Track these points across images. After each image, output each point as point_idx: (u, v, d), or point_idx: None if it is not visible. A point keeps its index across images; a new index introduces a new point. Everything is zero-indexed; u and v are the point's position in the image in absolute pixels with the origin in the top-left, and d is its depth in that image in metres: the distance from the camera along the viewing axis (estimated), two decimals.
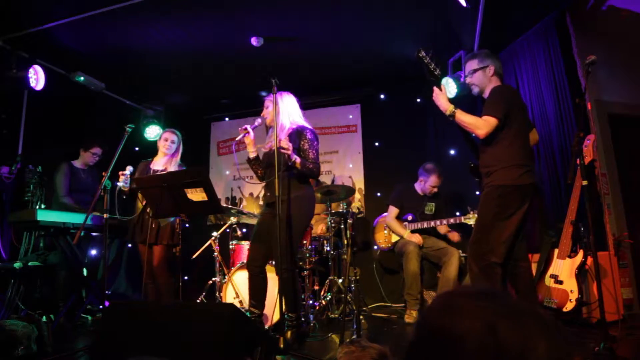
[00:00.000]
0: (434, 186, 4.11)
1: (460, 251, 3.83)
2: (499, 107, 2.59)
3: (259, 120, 3.06)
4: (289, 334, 2.82)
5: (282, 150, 2.73)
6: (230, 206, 4.32)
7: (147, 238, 3.54)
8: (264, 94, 5.18)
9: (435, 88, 2.74)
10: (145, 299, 3.74)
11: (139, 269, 3.85)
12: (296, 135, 2.94)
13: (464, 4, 3.44)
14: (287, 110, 3.00)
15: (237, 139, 3.06)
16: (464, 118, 2.64)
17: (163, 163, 3.75)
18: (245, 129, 2.99)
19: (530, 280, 2.77)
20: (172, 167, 3.74)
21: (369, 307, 4.43)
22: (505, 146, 2.62)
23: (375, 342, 1.59)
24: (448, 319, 0.64)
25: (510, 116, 2.61)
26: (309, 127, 3.03)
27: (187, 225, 3.94)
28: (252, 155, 3.11)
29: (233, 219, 4.17)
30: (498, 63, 2.80)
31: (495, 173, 2.62)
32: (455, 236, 4.04)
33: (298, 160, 2.81)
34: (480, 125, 2.59)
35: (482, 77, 2.78)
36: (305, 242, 3.80)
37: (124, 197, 3.61)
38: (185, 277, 5.07)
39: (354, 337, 2.55)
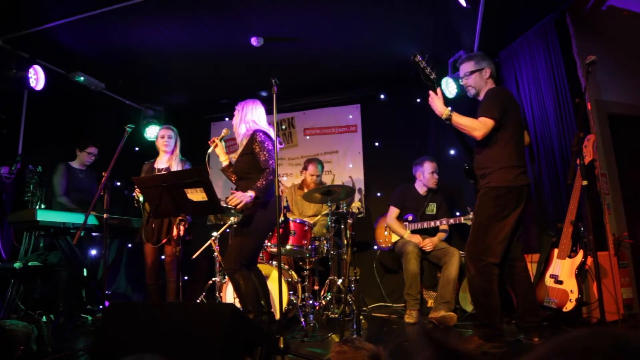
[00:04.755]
0: (432, 172, 4.08)
1: (461, 252, 3.82)
2: (495, 108, 2.62)
3: (224, 131, 3.26)
4: None
5: (237, 207, 2.88)
6: (230, 206, 4.29)
7: (157, 238, 3.58)
8: (264, 94, 5.18)
9: (430, 92, 2.78)
10: (148, 299, 3.74)
11: (139, 269, 3.85)
12: (250, 141, 3.04)
13: (464, 4, 3.44)
14: (244, 119, 3.16)
15: (208, 151, 3.26)
16: (460, 120, 2.67)
17: (165, 160, 3.85)
18: (213, 141, 3.19)
19: (528, 280, 2.78)
20: (175, 163, 3.80)
21: (369, 307, 4.43)
22: (500, 148, 2.65)
23: (375, 342, 1.57)
24: None
25: (505, 118, 2.64)
26: (262, 128, 3.10)
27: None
28: (225, 163, 3.26)
29: (233, 219, 4.15)
30: (493, 66, 2.84)
31: (491, 175, 2.64)
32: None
33: (252, 195, 2.88)
34: (477, 126, 2.62)
35: (478, 79, 2.81)
36: (305, 242, 3.80)
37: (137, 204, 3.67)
38: (185, 277, 5.07)
39: (353, 336, 2.51)
